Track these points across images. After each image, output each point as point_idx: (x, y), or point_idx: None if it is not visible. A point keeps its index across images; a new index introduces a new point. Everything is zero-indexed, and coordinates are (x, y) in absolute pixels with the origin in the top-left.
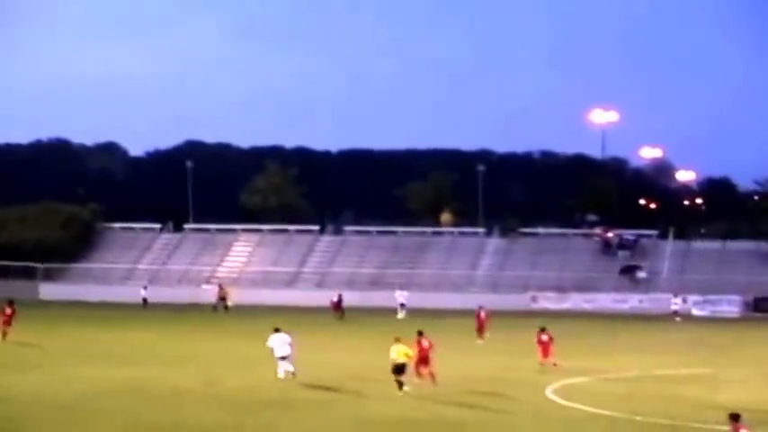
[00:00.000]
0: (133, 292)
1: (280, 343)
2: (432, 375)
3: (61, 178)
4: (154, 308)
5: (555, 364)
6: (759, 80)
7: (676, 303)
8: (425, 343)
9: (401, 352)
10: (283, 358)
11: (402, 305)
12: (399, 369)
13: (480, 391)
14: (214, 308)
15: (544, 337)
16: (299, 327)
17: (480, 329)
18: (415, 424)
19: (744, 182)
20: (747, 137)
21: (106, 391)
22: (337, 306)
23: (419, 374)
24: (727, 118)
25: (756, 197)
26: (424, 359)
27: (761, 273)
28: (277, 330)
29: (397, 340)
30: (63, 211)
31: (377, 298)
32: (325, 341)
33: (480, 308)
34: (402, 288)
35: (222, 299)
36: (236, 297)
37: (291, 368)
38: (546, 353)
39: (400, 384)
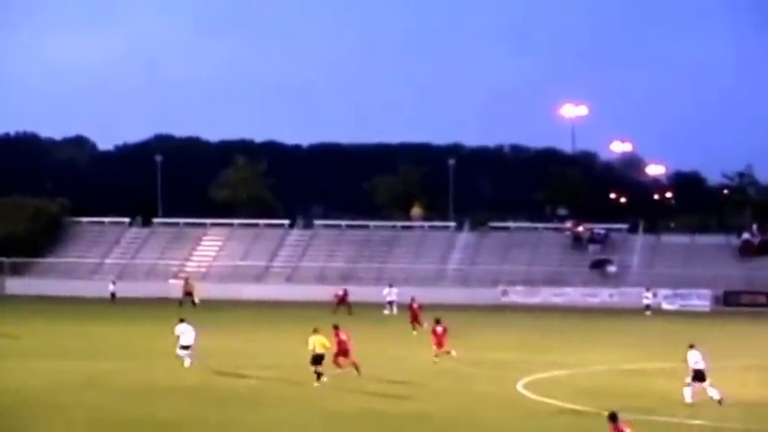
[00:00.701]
0: (101, 287)
1: (184, 332)
2: (355, 365)
3: (29, 172)
4: (122, 302)
5: (448, 353)
6: (728, 75)
7: (648, 297)
8: (343, 336)
9: (319, 342)
10: (186, 347)
11: (391, 302)
12: (317, 359)
13: (449, 385)
14: (180, 303)
15: (438, 329)
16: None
17: (415, 320)
18: (382, 417)
19: (713, 176)
20: (717, 131)
21: (71, 385)
22: (342, 300)
23: (338, 365)
24: (696, 112)
25: (726, 191)
26: (343, 351)
27: (730, 266)
28: (182, 321)
29: (316, 331)
30: (30, 205)
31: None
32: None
33: (413, 299)
34: (392, 285)
35: (188, 294)
36: (204, 292)
37: (189, 361)
38: (440, 344)
39: (318, 375)
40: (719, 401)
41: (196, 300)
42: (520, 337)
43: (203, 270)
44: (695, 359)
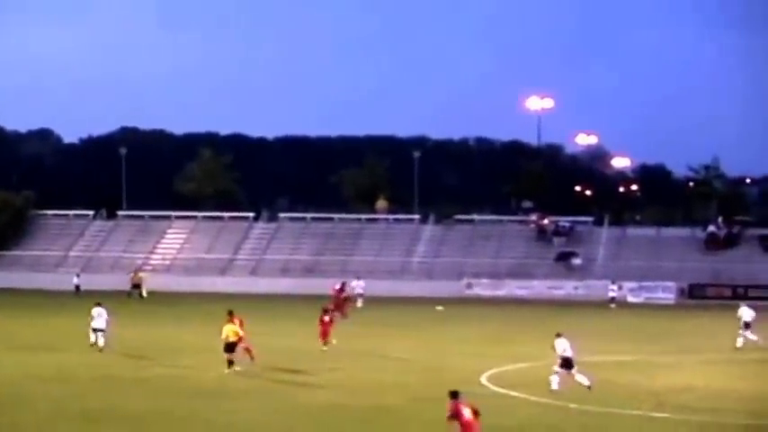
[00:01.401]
0: (65, 280)
1: (98, 315)
2: (248, 351)
3: None
4: (86, 295)
5: (332, 342)
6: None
7: (613, 290)
8: (236, 322)
9: (231, 331)
10: (97, 330)
11: (360, 295)
12: (229, 347)
13: (413, 378)
14: (128, 294)
15: (326, 318)
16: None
17: (339, 309)
18: (346, 409)
19: (679, 169)
20: (683, 124)
21: (34, 377)
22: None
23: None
24: (662, 105)
25: (691, 184)
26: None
27: (695, 259)
28: (98, 304)
29: (230, 319)
30: None
31: (312, 285)
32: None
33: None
34: (359, 278)
35: (136, 286)
36: (168, 284)
37: (102, 341)
38: (325, 333)
39: (230, 363)
40: (589, 387)
41: (144, 292)
42: (484, 329)
43: (167, 263)
44: (563, 347)
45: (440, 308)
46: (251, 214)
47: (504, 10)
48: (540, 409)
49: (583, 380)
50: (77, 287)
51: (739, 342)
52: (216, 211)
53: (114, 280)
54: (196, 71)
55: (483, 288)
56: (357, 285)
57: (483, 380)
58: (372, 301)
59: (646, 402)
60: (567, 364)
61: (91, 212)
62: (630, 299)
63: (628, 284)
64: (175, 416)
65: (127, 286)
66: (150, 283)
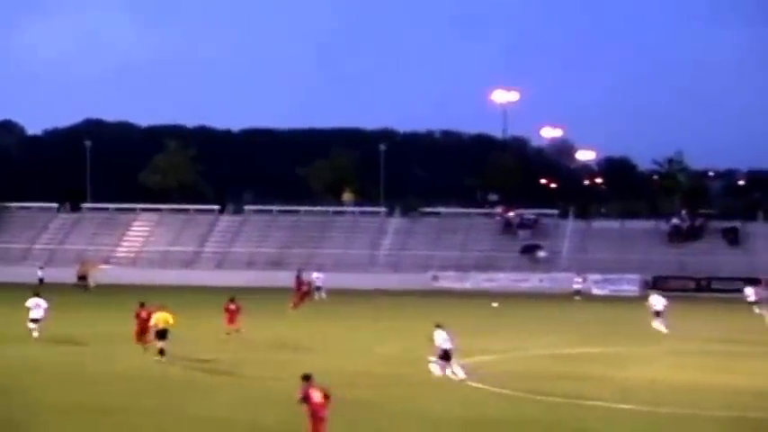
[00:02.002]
0: (30, 273)
1: (36, 306)
2: (147, 342)
3: None
4: (50, 288)
5: (237, 330)
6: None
7: (578, 282)
8: (143, 314)
9: (162, 319)
10: (35, 320)
11: (318, 288)
12: (160, 335)
13: (381, 371)
14: (75, 286)
15: (232, 306)
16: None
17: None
18: None
19: (643, 162)
20: (647, 117)
21: (5, 371)
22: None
23: (140, 342)
24: (626, 98)
25: (656, 177)
26: (143, 329)
27: (659, 251)
28: (36, 295)
29: (161, 308)
30: None
31: (278, 278)
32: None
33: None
34: (319, 270)
35: (82, 277)
36: (133, 277)
37: (36, 333)
38: (232, 320)
39: (161, 351)
40: (462, 380)
41: (91, 283)
42: (450, 322)
43: (133, 256)
44: (442, 338)
45: (495, 304)
46: (216, 207)
47: (471, 4)
48: (507, 402)
49: (459, 372)
50: (41, 280)
51: (660, 328)
52: (181, 203)
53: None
54: (161, 63)
55: (449, 281)
56: (317, 278)
57: (449, 372)
58: (339, 293)
59: (612, 394)
60: (446, 356)
61: (55, 205)
62: (595, 291)
63: (592, 277)
64: (145, 409)
65: (95, 279)
66: (115, 275)
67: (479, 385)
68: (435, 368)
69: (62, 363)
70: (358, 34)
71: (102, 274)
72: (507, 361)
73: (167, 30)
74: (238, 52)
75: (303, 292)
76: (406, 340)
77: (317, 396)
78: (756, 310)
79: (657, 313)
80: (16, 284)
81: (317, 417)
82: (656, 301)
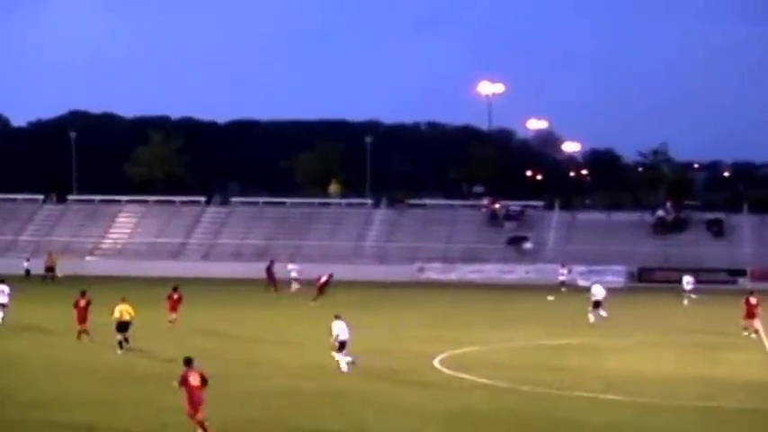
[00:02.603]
0: (16, 264)
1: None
2: (85, 331)
3: None
4: (36, 280)
5: (172, 321)
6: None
7: (563, 274)
8: (82, 303)
9: (124, 310)
10: (3, 306)
11: (295, 279)
12: (121, 327)
13: (366, 362)
14: (43, 278)
15: (175, 296)
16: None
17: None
18: (299, 395)
19: (628, 154)
20: (632, 109)
21: None
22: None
23: (79, 330)
24: (612, 90)
25: (640, 169)
26: (82, 318)
27: (645, 243)
28: (1, 281)
29: (123, 300)
30: None
31: (264, 270)
32: (213, 313)
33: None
34: (293, 261)
35: (50, 269)
36: (119, 269)
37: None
38: (173, 309)
39: (120, 343)
40: (348, 367)
41: (58, 274)
42: (436, 313)
43: (119, 247)
44: (340, 329)
45: (551, 298)
46: (202, 198)
47: None
48: (492, 392)
49: (343, 365)
50: (28, 271)
51: (591, 318)
52: (167, 195)
53: (66, 264)
54: (146, 54)
55: (435, 272)
56: (292, 269)
57: (435, 363)
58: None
59: (594, 385)
60: (342, 346)
61: (41, 197)
62: (581, 282)
63: (578, 268)
64: (128, 402)
65: (80, 270)
66: (101, 267)
67: (465, 376)
68: (342, 363)
69: (33, 355)
70: (343, 26)
71: (66, 264)
72: (492, 352)
73: (152, 20)
74: (224, 43)
75: (321, 284)
76: (390, 332)
77: (194, 379)
78: (686, 301)
79: (597, 303)
80: (3, 276)
81: (193, 400)
82: (597, 291)
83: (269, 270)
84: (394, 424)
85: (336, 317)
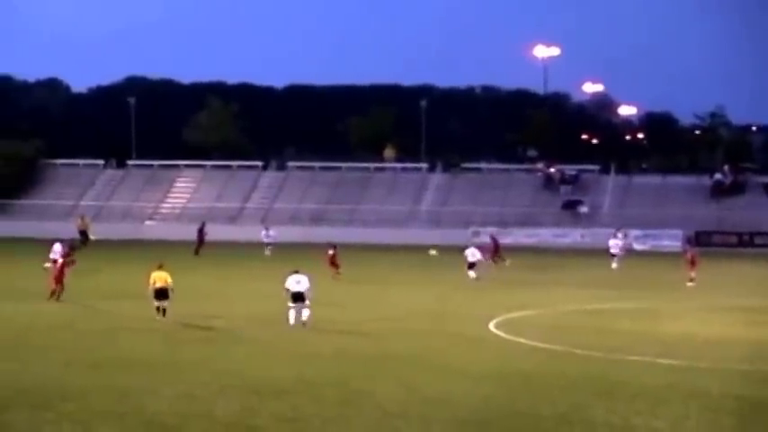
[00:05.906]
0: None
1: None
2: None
3: (2, 114)
4: (96, 244)
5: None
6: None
7: (617, 245)
8: (60, 260)
9: (160, 278)
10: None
11: (268, 245)
12: (159, 294)
13: (421, 326)
14: (82, 242)
15: (330, 252)
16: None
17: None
18: (355, 356)
19: (685, 117)
20: (688, 71)
21: (45, 327)
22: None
23: (52, 288)
24: (668, 53)
25: (697, 132)
26: (58, 276)
27: (702, 207)
28: (60, 242)
29: (160, 267)
30: (5, 148)
31: (320, 234)
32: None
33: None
34: (267, 228)
35: (82, 232)
36: (179, 232)
37: None
38: (334, 265)
39: (159, 309)
40: (303, 324)
41: (92, 237)
42: (491, 277)
43: (177, 212)
44: (294, 282)
45: (433, 252)
46: (259, 163)
47: None
48: (547, 355)
49: (291, 317)
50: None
51: (471, 275)
52: (224, 160)
53: (125, 229)
54: (203, 19)
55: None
56: (265, 235)
57: (491, 327)
58: (378, 249)
59: (650, 349)
60: (298, 297)
61: (101, 162)
62: (636, 247)
63: (633, 232)
64: (184, 362)
65: (140, 235)
66: (161, 231)
67: (521, 339)
68: (290, 316)
69: (101, 318)
70: None
71: (151, 230)
72: (546, 316)
73: None
74: (280, 8)
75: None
76: (445, 294)
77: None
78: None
79: (471, 264)
80: (63, 240)
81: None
82: (471, 254)
83: (200, 232)
84: (448, 385)
85: (294, 271)
